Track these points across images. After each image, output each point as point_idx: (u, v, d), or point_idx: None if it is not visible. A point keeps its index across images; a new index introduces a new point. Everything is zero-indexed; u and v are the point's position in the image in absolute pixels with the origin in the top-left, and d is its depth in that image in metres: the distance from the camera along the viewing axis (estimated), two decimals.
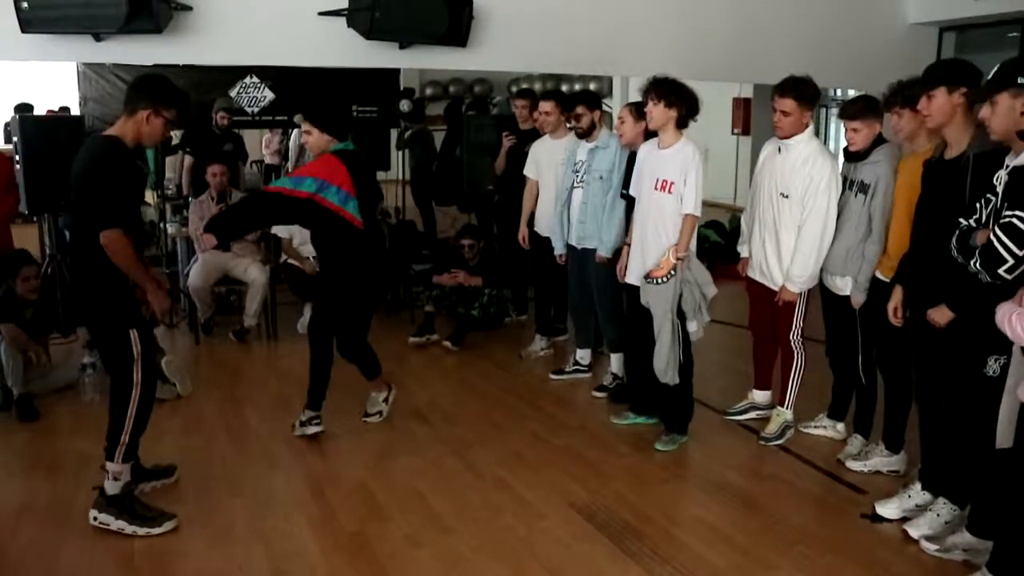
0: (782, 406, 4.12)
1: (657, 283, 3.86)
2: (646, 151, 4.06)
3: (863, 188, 3.62)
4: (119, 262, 3.10)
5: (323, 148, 3.90)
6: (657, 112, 3.84)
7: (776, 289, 3.95)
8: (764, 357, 4.34)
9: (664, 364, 3.91)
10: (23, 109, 7.46)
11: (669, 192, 3.87)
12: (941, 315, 2.93)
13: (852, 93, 7.05)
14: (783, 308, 3.97)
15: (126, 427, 3.20)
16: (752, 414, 4.38)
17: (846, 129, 3.71)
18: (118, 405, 3.22)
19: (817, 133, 9.77)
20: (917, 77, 3.24)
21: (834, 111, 9.42)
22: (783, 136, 3.84)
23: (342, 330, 4.11)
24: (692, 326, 3.92)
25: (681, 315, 3.89)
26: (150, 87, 3.25)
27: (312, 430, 4.11)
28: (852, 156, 3.70)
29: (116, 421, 3.22)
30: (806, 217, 3.76)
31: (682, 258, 3.83)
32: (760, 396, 4.41)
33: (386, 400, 4.36)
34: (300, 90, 7.02)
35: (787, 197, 3.82)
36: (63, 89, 8.20)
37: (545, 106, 5.17)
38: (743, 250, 4.19)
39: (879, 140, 3.64)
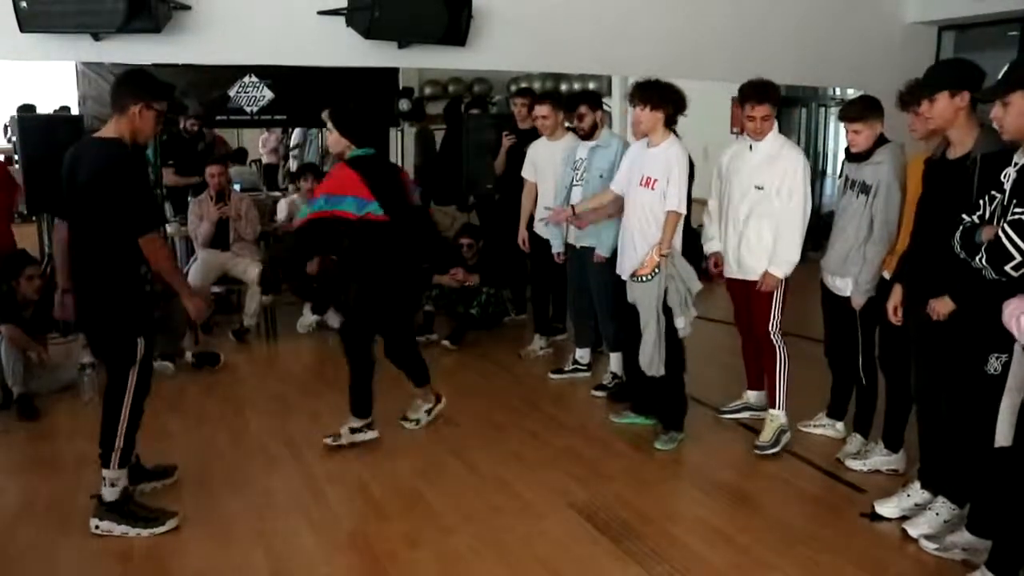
0: (774, 408, 4.04)
1: (642, 280, 3.90)
2: (636, 149, 4.12)
3: (864, 189, 3.61)
4: (160, 265, 3.17)
5: (339, 150, 3.89)
6: (645, 116, 3.91)
7: (754, 279, 3.95)
8: (753, 356, 4.29)
9: (648, 359, 3.95)
10: (26, 110, 7.45)
11: (652, 189, 3.92)
12: (943, 305, 2.91)
13: (852, 92, 7.06)
14: (760, 301, 3.97)
15: (119, 431, 3.17)
16: (746, 413, 4.37)
17: (847, 131, 3.70)
18: (111, 409, 3.19)
19: (818, 132, 9.82)
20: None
21: (834, 111, 9.40)
22: (763, 138, 3.91)
23: (388, 331, 4.05)
24: (680, 322, 3.93)
25: (667, 311, 3.91)
26: (135, 82, 3.19)
27: (368, 436, 4.03)
28: (853, 157, 3.69)
29: (109, 426, 3.18)
30: (788, 205, 3.83)
31: (665, 255, 3.86)
32: (754, 396, 4.38)
33: (429, 411, 4.28)
34: (299, 90, 7.02)
35: (761, 189, 3.87)
36: (62, 89, 8.18)
37: (541, 110, 5.14)
38: (711, 246, 4.18)
39: (881, 140, 3.63)
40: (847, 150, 3.78)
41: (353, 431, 4.01)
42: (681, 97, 3.93)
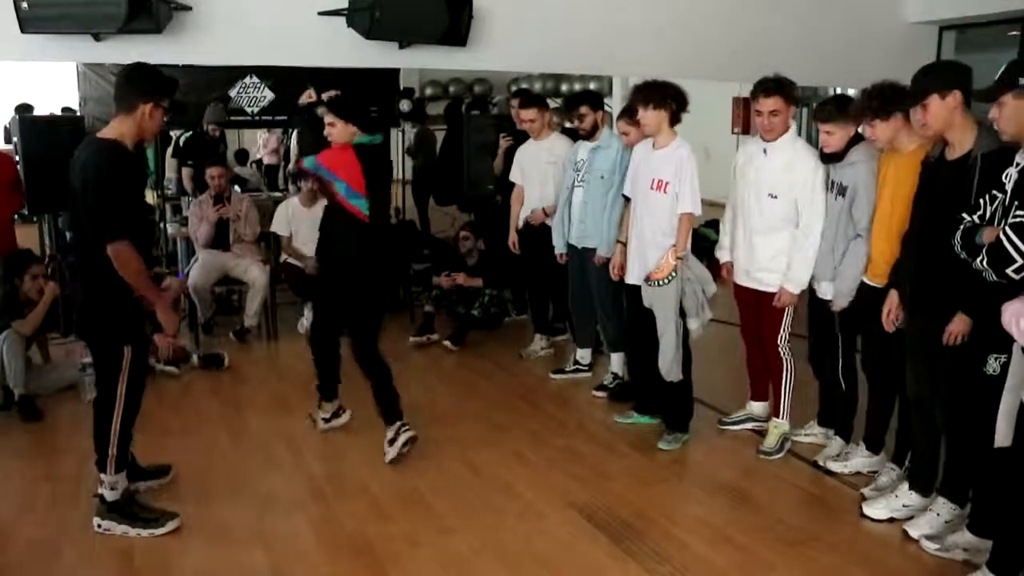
0: (778, 417, 4.00)
1: (659, 284, 3.87)
2: (641, 152, 4.08)
3: (842, 190, 3.56)
4: (126, 275, 2.99)
5: (346, 140, 3.75)
6: (649, 117, 3.87)
7: (764, 290, 3.86)
8: (758, 366, 4.17)
9: (669, 365, 3.92)
10: (24, 110, 7.47)
11: (664, 192, 3.90)
12: (961, 324, 2.88)
13: (852, 92, 7.05)
14: (771, 312, 3.87)
15: (112, 440, 3.14)
16: (748, 425, 4.25)
17: (820, 132, 3.63)
18: (102, 419, 3.16)
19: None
20: (885, 83, 3.30)
21: None
22: (774, 137, 3.76)
23: (355, 335, 3.93)
24: (693, 324, 3.93)
25: (682, 313, 3.90)
26: (144, 79, 3.07)
27: (342, 419, 4.19)
28: (828, 158, 3.64)
29: (101, 434, 3.16)
30: (805, 218, 3.68)
31: (682, 257, 3.85)
32: (758, 407, 4.25)
33: (328, 420, 4.20)
34: (300, 90, 7.02)
35: (776, 198, 3.74)
36: (63, 89, 8.19)
37: (527, 114, 5.16)
38: (724, 255, 4.08)
39: (855, 139, 3.57)
40: (821, 151, 3.68)
41: (328, 420, 4.18)
42: (682, 94, 3.90)
